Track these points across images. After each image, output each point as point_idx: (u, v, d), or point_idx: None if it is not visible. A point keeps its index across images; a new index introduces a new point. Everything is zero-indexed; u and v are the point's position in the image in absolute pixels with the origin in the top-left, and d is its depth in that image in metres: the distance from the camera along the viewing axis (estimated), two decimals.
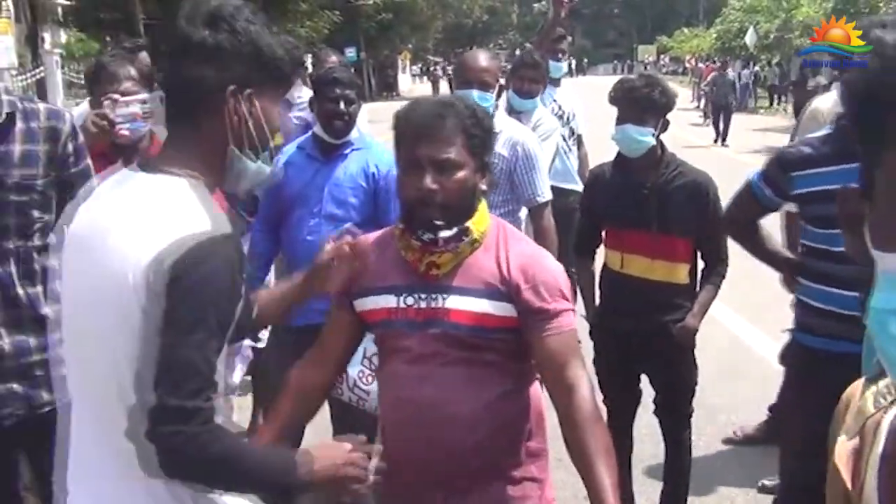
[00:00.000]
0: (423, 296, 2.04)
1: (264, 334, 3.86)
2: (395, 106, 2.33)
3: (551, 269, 2.08)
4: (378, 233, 2.23)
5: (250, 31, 1.59)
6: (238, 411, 4.74)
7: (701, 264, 3.44)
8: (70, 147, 2.38)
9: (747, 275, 3.72)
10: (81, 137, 2.46)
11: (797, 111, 16.88)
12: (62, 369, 1.67)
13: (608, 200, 3.42)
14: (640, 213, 3.31)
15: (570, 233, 5.79)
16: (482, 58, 3.86)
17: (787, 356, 3.00)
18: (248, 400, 4.61)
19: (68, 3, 29.20)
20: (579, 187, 5.77)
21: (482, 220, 2.06)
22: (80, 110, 5.65)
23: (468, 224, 2.02)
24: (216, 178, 1.61)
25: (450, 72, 51.46)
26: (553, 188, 5.57)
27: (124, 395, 1.47)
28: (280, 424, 2.11)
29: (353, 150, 3.54)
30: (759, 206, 2.91)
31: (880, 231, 0.96)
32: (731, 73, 23.22)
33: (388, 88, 45.42)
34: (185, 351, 1.44)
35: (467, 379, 2.01)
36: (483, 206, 2.10)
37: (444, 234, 1.99)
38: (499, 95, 3.95)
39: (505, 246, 2.06)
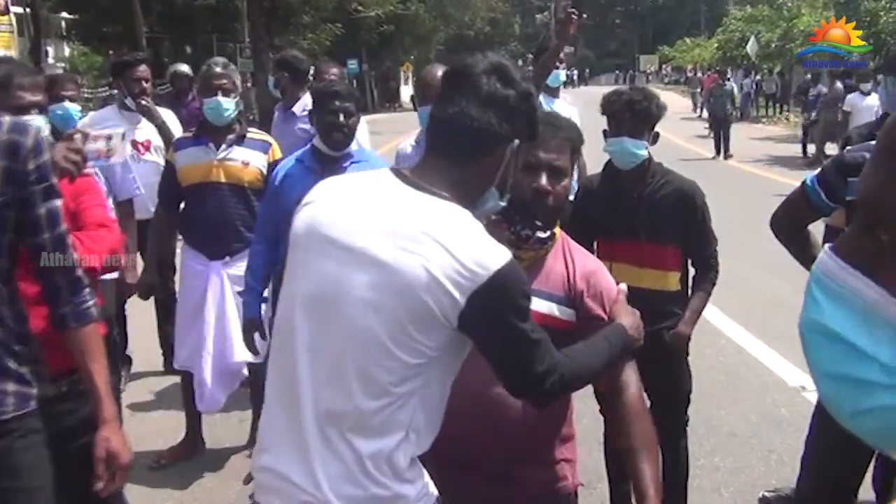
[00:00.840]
0: None
1: (262, 348, 3.86)
2: (397, 117, 2.38)
3: (609, 281, 2.25)
4: None
5: (530, 91, 1.83)
6: (238, 424, 4.74)
7: (692, 271, 3.46)
8: (31, 164, 2.13)
9: (745, 284, 3.71)
10: (48, 155, 2.21)
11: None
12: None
13: (598, 211, 3.42)
14: (629, 223, 3.32)
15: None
16: (441, 73, 3.91)
17: None
18: (249, 413, 4.60)
19: (71, 17, 29.35)
20: (572, 198, 5.80)
21: (558, 231, 2.25)
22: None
23: (555, 230, 2.21)
24: (466, 206, 1.77)
25: None
26: None
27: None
28: None
29: (352, 162, 3.56)
30: (811, 208, 2.91)
31: None
32: (728, 84, 21.52)
33: (390, 100, 45.48)
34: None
35: None
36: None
37: (541, 234, 2.15)
38: None
39: (571, 256, 2.24)
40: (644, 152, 3.27)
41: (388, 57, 43.68)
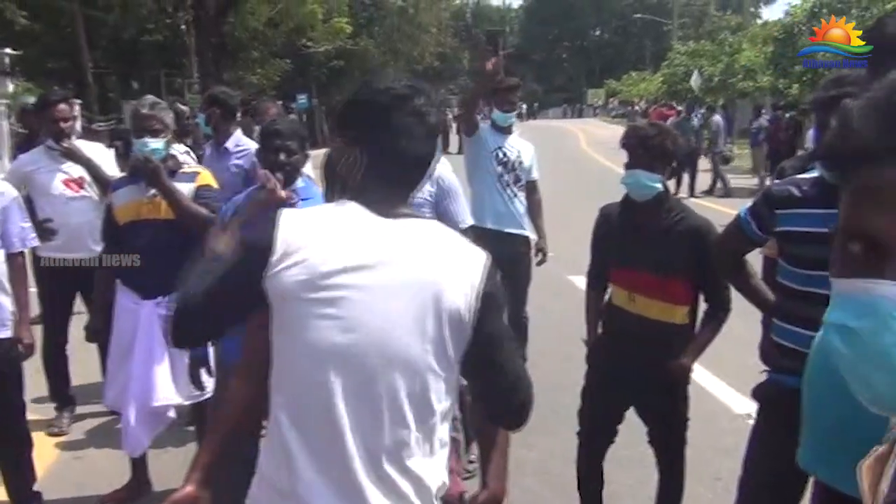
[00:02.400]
0: None
1: (209, 384, 3.83)
2: None
3: None
4: None
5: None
6: (185, 462, 4.65)
7: (703, 306, 3.55)
8: None
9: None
10: None
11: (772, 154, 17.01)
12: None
13: (614, 239, 3.58)
14: (643, 254, 3.45)
15: (521, 276, 5.89)
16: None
17: (759, 393, 3.03)
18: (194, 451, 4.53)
19: (15, 52, 28.96)
20: (526, 232, 5.85)
21: None
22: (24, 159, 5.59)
23: None
24: None
25: None
26: (497, 233, 5.66)
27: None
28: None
29: (299, 200, 3.56)
30: (746, 240, 2.98)
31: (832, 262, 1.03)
32: (694, 119, 20.38)
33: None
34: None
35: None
36: None
37: None
38: None
39: None
40: (658, 185, 3.41)
41: (338, 91, 43.66)
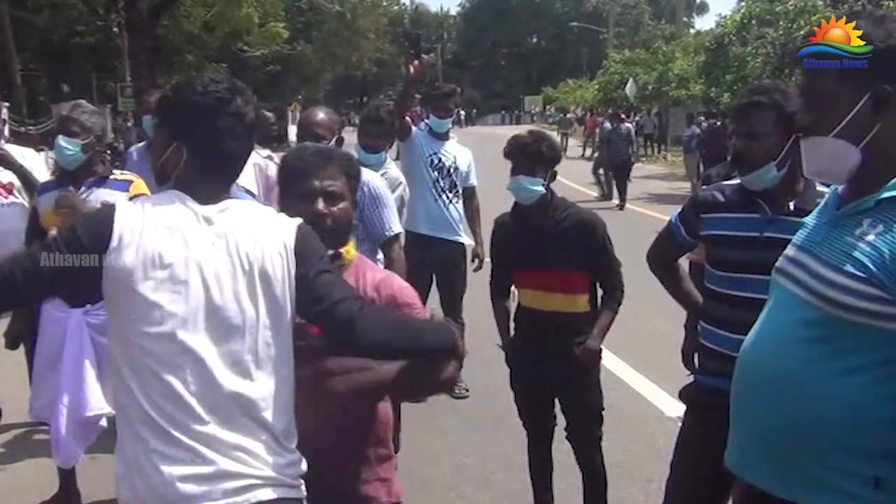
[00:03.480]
0: None
1: None
2: None
3: (400, 284, 2.47)
4: None
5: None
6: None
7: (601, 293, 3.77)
8: None
9: (624, 317, 3.88)
10: None
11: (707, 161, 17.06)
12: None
13: (510, 244, 3.81)
14: (538, 253, 3.67)
15: (456, 282, 5.91)
16: (316, 113, 4.18)
17: (685, 395, 3.12)
18: None
19: None
20: (462, 238, 5.88)
21: (351, 251, 2.45)
22: None
23: (342, 251, 2.39)
24: None
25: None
26: (432, 238, 5.68)
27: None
28: None
29: None
30: (675, 244, 3.11)
31: None
32: (625, 126, 19.20)
33: (277, 140, 45.12)
34: None
35: (316, 391, 2.21)
36: (352, 240, 2.49)
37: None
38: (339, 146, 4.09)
39: (362, 273, 2.44)
40: (539, 188, 3.62)
41: (275, 96, 43.42)
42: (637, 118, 34.99)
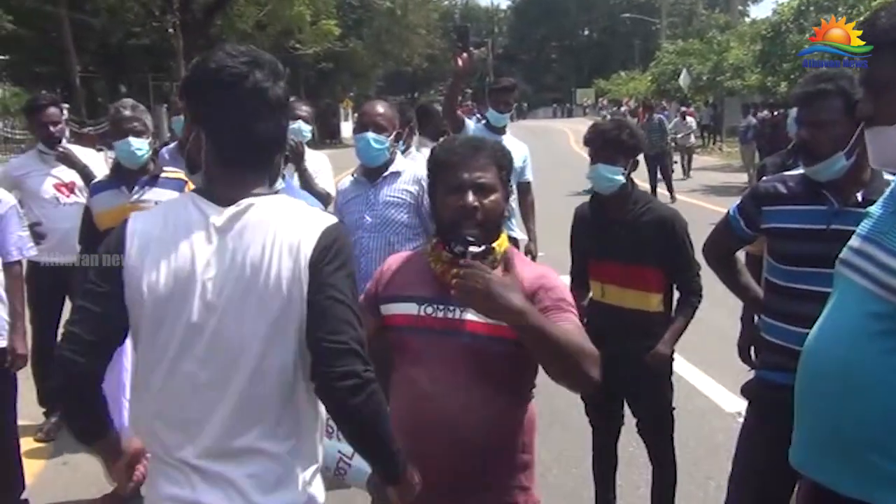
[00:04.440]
0: (441, 306, 2.26)
1: None
2: (338, 153, 2.49)
3: (560, 283, 2.35)
4: (408, 252, 2.54)
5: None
6: None
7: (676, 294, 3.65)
8: None
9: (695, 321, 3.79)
10: None
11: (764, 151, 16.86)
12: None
13: (587, 235, 3.73)
14: (613, 246, 3.57)
15: None
16: (378, 105, 4.10)
17: (747, 391, 3.03)
18: None
19: (3, 58, 28.86)
20: (515, 233, 5.83)
21: (503, 243, 2.33)
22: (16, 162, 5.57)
23: (493, 245, 2.28)
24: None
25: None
26: None
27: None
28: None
29: None
30: (734, 237, 3.01)
31: None
32: (656, 117, 18.72)
33: (330, 136, 45.52)
34: None
35: (480, 390, 2.21)
36: (505, 232, 2.39)
37: (474, 248, 2.20)
38: (398, 139, 4.16)
39: (519, 266, 2.27)
40: (619, 178, 3.52)
41: (327, 94, 43.77)
42: (691, 110, 34.57)
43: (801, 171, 2.85)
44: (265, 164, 1.91)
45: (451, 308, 2.25)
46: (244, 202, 1.84)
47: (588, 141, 3.61)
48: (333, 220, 1.93)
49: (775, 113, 19.21)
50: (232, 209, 1.83)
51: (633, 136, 3.57)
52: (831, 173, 2.68)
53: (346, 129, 47.48)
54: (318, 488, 1.95)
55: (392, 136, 3.96)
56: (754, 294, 3.09)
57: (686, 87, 31.19)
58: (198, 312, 1.82)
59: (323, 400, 1.87)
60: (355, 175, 4.09)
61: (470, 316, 2.22)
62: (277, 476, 1.85)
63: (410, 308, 2.30)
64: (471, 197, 2.25)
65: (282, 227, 1.83)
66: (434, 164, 2.39)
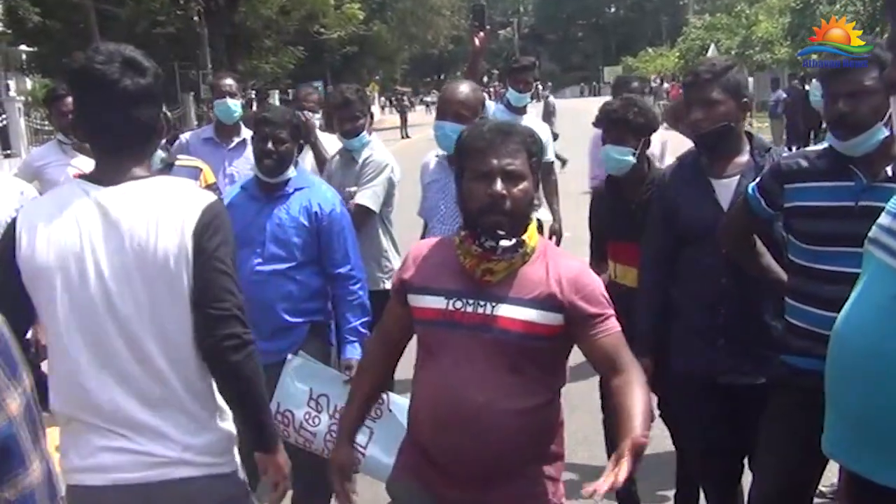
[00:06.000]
0: (471, 301, 2.20)
1: None
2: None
3: (595, 280, 2.29)
4: (439, 238, 2.47)
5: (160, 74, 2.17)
6: None
7: None
8: None
9: None
10: None
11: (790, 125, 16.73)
12: None
13: (602, 215, 3.71)
14: (628, 227, 3.47)
15: None
16: (460, 89, 3.79)
17: (773, 376, 2.87)
18: None
19: (31, 49, 29.09)
20: (539, 214, 5.75)
21: (533, 236, 2.24)
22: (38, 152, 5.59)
23: (524, 237, 2.20)
24: None
25: (417, 102, 51.21)
26: None
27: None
28: (362, 397, 2.50)
29: (295, 189, 3.51)
30: (754, 217, 2.86)
31: None
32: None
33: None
34: None
35: (509, 386, 2.17)
36: (534, 223, 2.29)
37: (505, 242, 2.15)
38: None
39: (551, 260, 2.25)
40: (628, 158, 3.44)
41: (352, 78, 43.63)
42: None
43: (824, 145, 2.73)
44: (126, 150, 2.09)
45: (482, 303, 2.19)
46: (126, 184, 2.06)
47: (597, 122, 3.54)
48: (213, 197, 2.15)
49: (805, 86, 18.90)
50: (113, 189, 2.04)
51: (641, 115, 3.47)
52: (868, 146, 2.54)
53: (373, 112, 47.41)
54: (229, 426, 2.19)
55: None
56: (776, 276, 2.93)
57: (694, 67, 30.80)
58: (92, 287, 2.01)
59: (209, 361, 2.07)
60: (439, 155, 3.95)
61: (502, 312, 2.17)
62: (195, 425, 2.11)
63: (439, 302, 2.24)
64: (499, 184, 2.16)
65: (165, 205, 2.05)
66: (461, 150, 2.29)
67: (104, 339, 2.03)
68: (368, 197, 4.18)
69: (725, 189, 3.01)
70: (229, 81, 5.20)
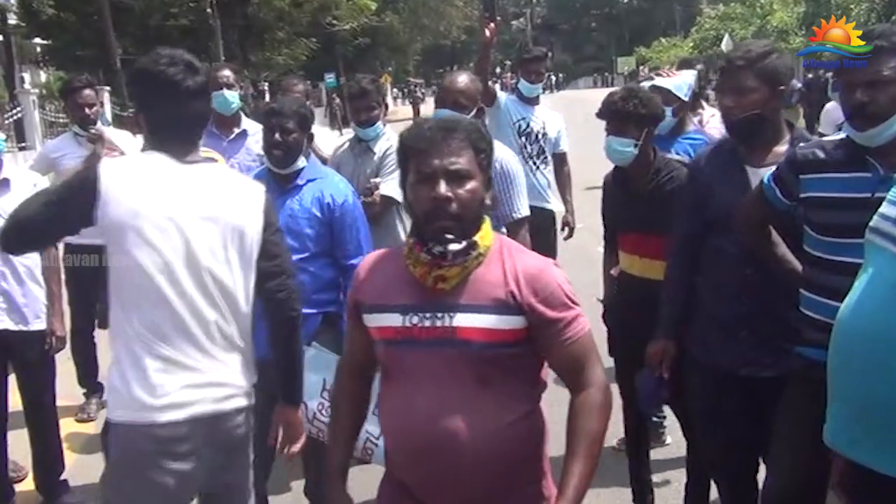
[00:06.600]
0: (428, 315, 2.04)
1: None
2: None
3: (556, 278, 2.08)
4: (386, 250, 2.29)
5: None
6: None
7: None
8: None
9: None
10: None
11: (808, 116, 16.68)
12: None
13: (610, 205, 3.75)
14: (637, 217, 3.53)
15: (544, 249, 5.77)
16: (458, 81, 3.89)
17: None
18: None
19: (45, 42, 29.20)
20: (551, 205, 5.74)
21: (487, 235, 2.08)
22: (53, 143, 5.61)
23: (475, 238, 2.04)
24: None
25: (430, 93, 51.17)
26: None
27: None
28: (344, 434, 2.31)
29: (308, 181, 3.51)
30: (769, 207, 2.83)
31: None
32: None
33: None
34: None
35: (480, 404, 2.01)
36: (487, 221, 2.12)
37: (454, 246, 2.00)
38: (478, 116, 3.88)
39: (511, 259, 2.08)
40: (629, 149, 3.44)
41: (365, 69, 43.61)
42: None
43: (841, 135, 2.70)
44: (191, 137, 2.51)
45: (440, 315, 2.02)
46: (199, 164, 2.50)
47: (599, 114, 3.52)
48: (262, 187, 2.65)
49: (821, 78, 18.77)
50: (193, 162, 2.46)
51: (643, 106, 3.44)
52: (886, 137, 2.51)
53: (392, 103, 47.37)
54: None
55: (473, 114, 3.75)
56: (792, 266, 2.89)
57: (728, 52, 30.65)
58: (193, 242, 2.38)
59: (270, 308, 2.56)
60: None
61: (460, 322, 2.01)
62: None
63: (395, 319, 2.07)
64: (443, 186, 1.99)
65: (238, 185, 2.58)
66: (402, 151, 2.12)
67: (201, 287, 2.39)
68: (394, 188, 4.18)
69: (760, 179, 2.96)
70: (226, 73, 5.12)
